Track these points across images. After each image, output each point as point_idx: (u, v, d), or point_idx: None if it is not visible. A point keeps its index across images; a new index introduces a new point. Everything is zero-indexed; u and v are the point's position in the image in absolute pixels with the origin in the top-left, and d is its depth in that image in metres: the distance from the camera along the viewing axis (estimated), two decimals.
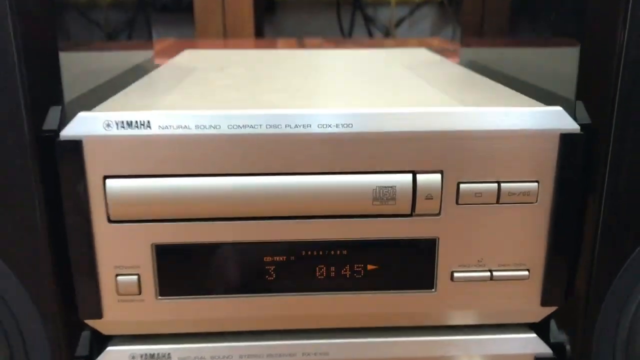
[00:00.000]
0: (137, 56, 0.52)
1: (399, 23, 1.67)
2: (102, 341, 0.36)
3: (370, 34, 1.69)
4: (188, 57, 0.57)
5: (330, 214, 0.33)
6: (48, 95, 0.32)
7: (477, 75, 0.46)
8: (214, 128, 0.31)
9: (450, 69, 0.50)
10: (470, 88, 0.41)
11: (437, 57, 0.58)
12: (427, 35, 1.68)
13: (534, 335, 0.36)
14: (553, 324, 0.37)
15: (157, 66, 0.54)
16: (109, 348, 0.35)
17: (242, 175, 0.32)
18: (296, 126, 0.31)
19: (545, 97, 0.35)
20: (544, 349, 0.36)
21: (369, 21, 1.71)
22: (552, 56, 0.36)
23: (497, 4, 0.48)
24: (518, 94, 0.38)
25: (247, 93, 0.39)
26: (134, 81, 0.43)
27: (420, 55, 0.60)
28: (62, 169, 0.31)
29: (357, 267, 0.34)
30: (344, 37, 1.67)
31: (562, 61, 0.35)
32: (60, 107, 0.32)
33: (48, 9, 0.32)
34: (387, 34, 1.70)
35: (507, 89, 0.40)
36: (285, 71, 0.48)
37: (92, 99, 0.35)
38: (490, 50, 0.49)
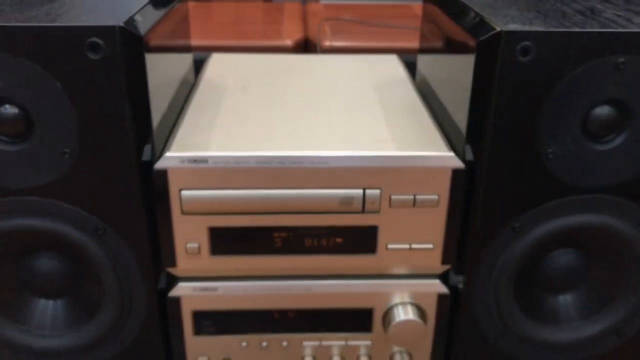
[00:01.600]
0: (184, 64, 0.71)
1: None
2: (172, 281, 0.59)
3: None
4: (216, 69, 0.77)
5: (316, 211, 0.55)
6: (144, 136, 0.53)
7: (420, 105, 0.67)
8: (246, 163, 0.53)
9: (404, 94, 0.70)
10: (410, 125, 0.61)
11: (401, 74, 0.77)
12: None
13: (438, 281, 0.60)
14: (452, 273, 0.60)
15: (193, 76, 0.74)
16: (180, 284, 0.59)
17: (261, 189, 0.54)
18: (294, 163, 0.53)
19: (456, 133, 0.57)
20: (444, 289, 0.59)
21: None
22: (458, 103, 0.57)
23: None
24: (437, 134, 0.59)
25: (264, 129, 0.59)
26: (183, 99, 0.64)
27: (388, 70, 0.79)
28: (156, 186, 0.53)
29: (331, 240, 0.57)
30: None
31: (462, 112, 0.56)
32: (151, 145, 0.53)
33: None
34: None
35: (433, 127, 0.60)
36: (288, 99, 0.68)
37: (164, 130, 0.56)
38: (431, 68, 0.69)
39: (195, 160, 0.52)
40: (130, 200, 0.53)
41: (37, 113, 0.50)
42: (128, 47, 0.48)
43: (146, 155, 0.53)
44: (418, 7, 1.35)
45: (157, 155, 0.53)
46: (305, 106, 0.64)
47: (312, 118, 0.61)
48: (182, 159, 0.52)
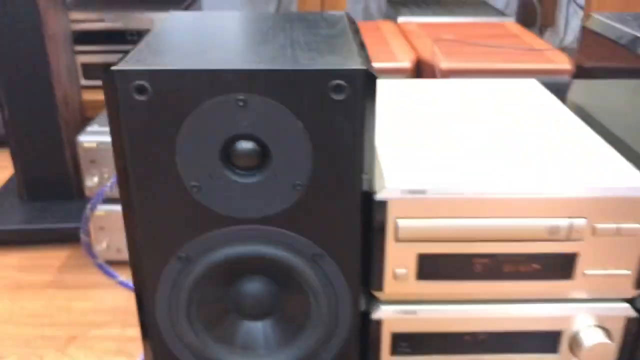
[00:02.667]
0: None
1: None
2: (374, 304, 0.63)
3: None
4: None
5: (521, 239, 0.58)
6: (360, 168, 0.56)
7: (593, 134, 0.69)
8: (460, 194, 0.57)
9: (570, 123, 0.73)
10: (598, 155, 0.64)
11: (552, 100, 0.80)
12: None
13: (627, 305, 0.62)
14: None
15: None
16: (382, 307, 0.62)
17: (472, 218, 0.57)
18: (505, 193, 0.57)
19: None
20: (633, 313, 0.62)
21: None
22: None
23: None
24: (629, 165, 0.62)
25: (461, 159, 0.63)
26: None
27: (537, 95, 0.82)
28: (375, 215, 0.57)
29: (529, 267, 0.60)
30: None
31: None
32: (369, 176, 0.57)
33: None
34: None
35: (620, 157, 0.63)
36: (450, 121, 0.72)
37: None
38: (593, 95, 0.72)
39: (414, 191, 0.56)
40: (349, 228, 0.57)
41: (276, 148, 0.53)
42: (368, 88, 0.52)
43: (365, 186, 0.56)
44: (511, 26, 1.37)
45: (370, 185, 0.57)
46: (484, 134, 0.67)
47: (498, 146, 0.64)
48: (402, 191, 0.56)
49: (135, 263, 0.58)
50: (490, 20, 1.46)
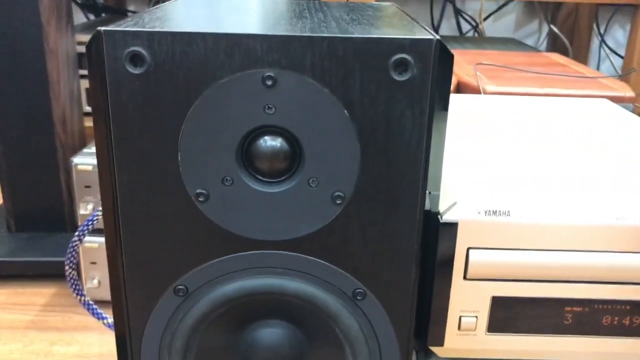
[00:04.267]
0: None
1: (486, 17, 1.75)
2: None
3: (459, 26, 1.77)
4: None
5: (625, 281, 0.44)
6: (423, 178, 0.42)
7: None
8: (556, 219, 0.42)
9: None
10: None
11: (628, 117, 0.67)
12: (510, 32, 1.77)
13: None
14: None
15: None
16: None
17: (565, 251, 0.43)
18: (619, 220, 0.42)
19: None
20: None
21: (458, 14, 1.79)
22: None
23: None
24: None
25: (546, 178, 0.49)
26: None
27: (610, 115, 0.69)
28: (440, 242, 0.43)
29: (635, 319, 0.45)
30: (434, 27, 1.76)
31: None
32: (438, 193, 0.43)
33: None
34: (476, 26, 1.78)
35: None
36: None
37: None
38: None
39: (494, 212, 0.42)
40: (402, 260, 0.43)
41: (312, 147, 0.40)
42: (442, 66, 0.38)
43: (428, 204, 0.42)
44: (555, 56, 1.26)
45: (434, 204, 0.43)
46: (568, 155, 0.53)
47: (588, 169, 0.50)
48: (479, 211, 0.42)
49: (118, 296, 0.44)
50: (526, 51, 1.35)
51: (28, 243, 1.04)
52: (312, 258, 0.43)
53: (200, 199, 0.41)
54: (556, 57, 1.24)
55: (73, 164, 0.88)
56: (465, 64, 1.09)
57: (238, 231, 0.42)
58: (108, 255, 0.43)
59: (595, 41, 1.83)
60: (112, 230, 0.42)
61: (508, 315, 0.45)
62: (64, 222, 1.07)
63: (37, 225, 1.05)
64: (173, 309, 0.44)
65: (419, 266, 0.44)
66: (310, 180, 0.41)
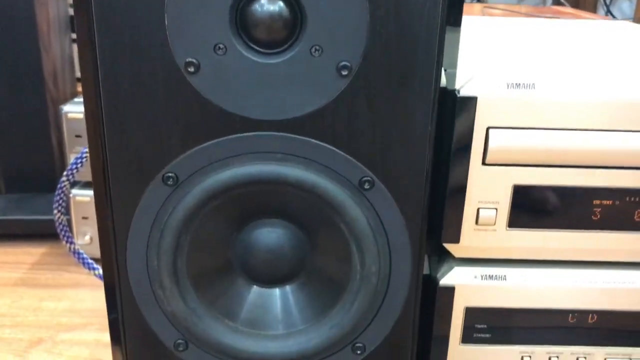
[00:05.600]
0: None
1: None
2: (443, 263, 0.43)
3: None
4: None
5: None
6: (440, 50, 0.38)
7: None
8: (587, 95, 0.38)
9: None
10: None
11: None
12: (513, 2, 1.73)
13: None
14: None
15: None
16: (457, 268, 0.43)
17: (593, 131, 0.39)
18: None
19: None
20: None
21: None
22: None
23: None
24: None
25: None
26: None
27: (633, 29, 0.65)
28: (457, 123, 0.38)
29: None
30: None
31: None
32: (455, 71, 0.39)
33: None
34: None
35: None
36: None
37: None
38: None
39: (517, 85, 0.37)
40: (416, 144, 0.38)
41: (315, 10, 0.36)
42: None
43: (444, 80, 0.38)
44: (562, 8, 1.21)
45: (451, 80, 0.39)
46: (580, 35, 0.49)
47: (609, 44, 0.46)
48: (500, 85, 0.37)
49: (102, 185, 0.40)
50: None
51: (18, 203, 1.00)
52: (314, 141, 0.39)
53: (189, 70, 0.37)
54: (564, 8, 1.20)
55: (63, 112, 0.84)
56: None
57: (232, 108, 0.38)
58: (89, 138, 0.39)
59: (601, 11, 1.79)
60: (92, 105, 0.38)
61: (531, 207, 0.40)
62: (55, 182, 1.03)
63: (28, 185, 1.01)
64: (162, 200, 0.40)
65: (433, 151, 0.39)
66: (313, 49, 0.36)
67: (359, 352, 0.44)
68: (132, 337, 0.44)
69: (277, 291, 0.44)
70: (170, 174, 0.39)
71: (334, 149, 0.39)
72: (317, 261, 0.43)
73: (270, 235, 0.43)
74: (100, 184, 0.39)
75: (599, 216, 0.41)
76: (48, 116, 1.00)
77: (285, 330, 0.43)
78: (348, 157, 0.39)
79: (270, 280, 0.44)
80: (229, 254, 0.43)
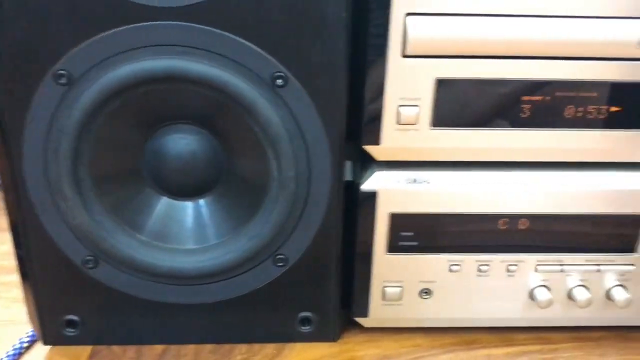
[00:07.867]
0: None
1: None
2: (365, 169, 0.41)
3: None
4: None
5: (594, 56, 0.37)
6: None
7: None
8: None
9: None
10: None
11: None
12: None
13: None
14: None
15: None
16: (377, 172, 0.40)
17: (523, 17, 0.36)
18: None
19: None
20: None
21: None
22: None
23: None
24: None
25: None
26: None
27: None
28: (372, 5, 0.35)
29: (603, 109, 0.39)
30: None
31: None
32: None
33: None
34: None
35: None
36: None
37: None
38: None
39: None
40: (330, 33, 0.35)
41: None
42: None
43: None
44: None
45: None
46: None
47: None
48: None
49: None
50: None
51: None
52: (220, 31, 0.35)
53: None
54: None
55: None
56: None
57: None
58: None
59: None
60: None
61: (456, 104, 0.38)
62: None
63: None
64: (56, 101, 0.36)
65: (351, 44, 0.36)
66: None
67: (280, 264, 0.42)
68: (40, 263, 0.41)
69: (189, 204, 0.41)
70: (62, 71, 0.36)
71: (242, 40, 0.36)
72: (233, 170, 0.40)
73: (180, 141, 0.40)
74: None
75: (527, 113, 0.39)
76: None
77: (198, 245, 0.41)
78: (259, 50, 0.36)
79: (183, 191, 0.41)
80: (138, 162, 0.40)
